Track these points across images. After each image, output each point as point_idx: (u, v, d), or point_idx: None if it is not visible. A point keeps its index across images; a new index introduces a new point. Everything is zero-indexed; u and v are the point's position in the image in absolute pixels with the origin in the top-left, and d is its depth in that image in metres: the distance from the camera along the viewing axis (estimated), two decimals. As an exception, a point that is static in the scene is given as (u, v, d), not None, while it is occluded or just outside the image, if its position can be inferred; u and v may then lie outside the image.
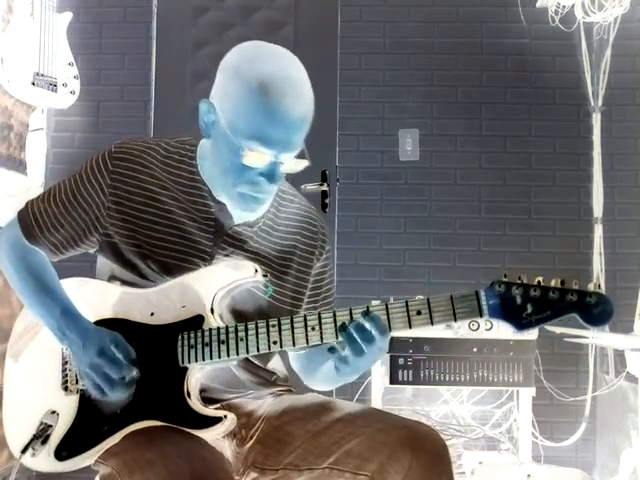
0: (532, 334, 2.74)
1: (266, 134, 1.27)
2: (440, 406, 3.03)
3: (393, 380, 2.75)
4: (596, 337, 2.98)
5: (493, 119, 3.32)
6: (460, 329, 2.82)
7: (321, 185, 3.26)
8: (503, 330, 2.74)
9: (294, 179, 1.58)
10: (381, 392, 2.86)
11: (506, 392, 2.97)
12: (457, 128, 3.31)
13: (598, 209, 3.24)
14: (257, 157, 1.29)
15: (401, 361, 2.74)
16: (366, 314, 1.24)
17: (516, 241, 3.25)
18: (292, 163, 1.33)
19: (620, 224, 3.24)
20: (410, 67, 3.34)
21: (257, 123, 1.26)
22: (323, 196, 3.25)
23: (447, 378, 2.76)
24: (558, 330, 2.88)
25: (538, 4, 3.23)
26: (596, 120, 3.26)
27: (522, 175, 3.29)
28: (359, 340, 1.24)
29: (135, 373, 1.33)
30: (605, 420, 3.07)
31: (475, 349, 2.74)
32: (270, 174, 1.31)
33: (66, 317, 1.37)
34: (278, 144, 1.28)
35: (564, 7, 3.14)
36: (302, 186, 3.16)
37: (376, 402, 2.83)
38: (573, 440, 3.15)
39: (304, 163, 1.35)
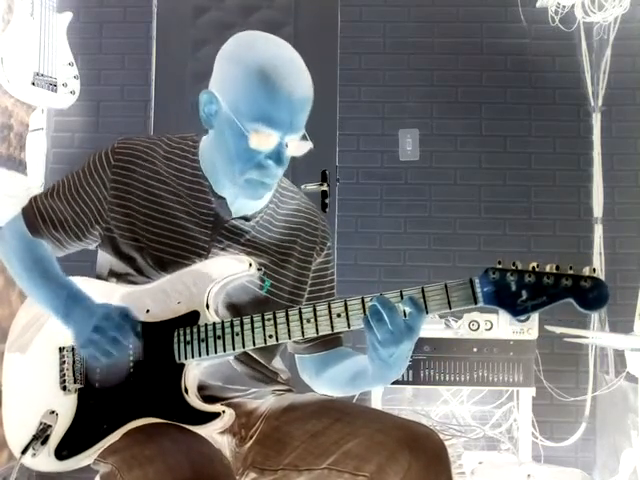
0: (532, 334, 2.74)
1: (270, 115, 1.29)
2: (440, 406, 3.02)
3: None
4: (596, 337, 2.98)
5: (493, 119, 3.32)
6: (460, 329, 2.83)
7: (321, 185, 3.26)
8: (503, 330, 2.74)
9: (294, 179, 1.58)
10: (381, 392, 2.85)
11: (506, 392, 2.97)
12: (457, 128, 3.31)
13: (598, 209, 3.23)
14: (263, 139, 1.31)
15: (401, 361, 2.73)
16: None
17: (516, 241, 3.25)
18: (296, 146, 1.35)
19: (620, 224, 3.24)
20: (410, 67, 3.34)
21: (261, 105, 1.29)
22: (323, 196, 3.25)
23: (447, 378, 2.75)
24: (558, 330, 2.88)
25: (538, 4, 3.23)
26: (596, 120, 3.26)
27: (522, 175, 3.29)
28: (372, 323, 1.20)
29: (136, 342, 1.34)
30: (605, 420, 3.07)
31: (475, 349, 2.74)
32: (277, 156, 1.33)
33: (73, 298, 1.38)
34: (283, 124, 1.30)
35: (564, 7, 3.14)
36: (302, 186, 3.16)
37: (376, 402, 2.83)
38: (573, 440, 3.15)
39: (308, 145, 1.36)
